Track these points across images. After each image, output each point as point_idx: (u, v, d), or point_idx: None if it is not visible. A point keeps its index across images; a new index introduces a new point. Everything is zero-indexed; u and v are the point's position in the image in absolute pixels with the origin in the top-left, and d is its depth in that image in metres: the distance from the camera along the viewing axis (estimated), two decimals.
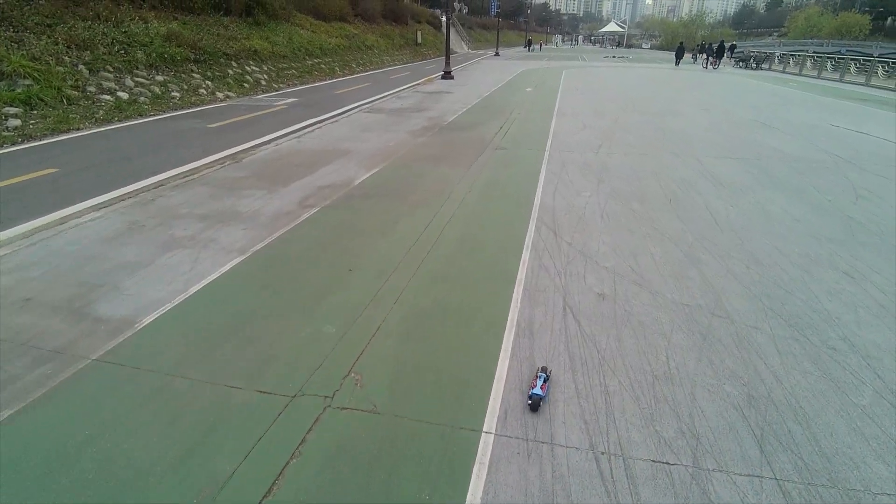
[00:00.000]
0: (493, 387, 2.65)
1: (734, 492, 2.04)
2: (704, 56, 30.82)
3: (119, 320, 3.22)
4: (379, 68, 26.67)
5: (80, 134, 8.78)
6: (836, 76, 23.15)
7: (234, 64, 16.27)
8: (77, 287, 3.65)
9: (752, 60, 33.40)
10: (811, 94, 17.37)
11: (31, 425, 2.38)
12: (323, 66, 21.81)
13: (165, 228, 4.78)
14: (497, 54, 45.68)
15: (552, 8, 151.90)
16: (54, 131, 8.67)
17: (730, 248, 4.39)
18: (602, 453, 2.23)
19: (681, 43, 39.39)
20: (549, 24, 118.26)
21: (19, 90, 9.23)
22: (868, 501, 2.02)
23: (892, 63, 20.81)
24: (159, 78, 12.84)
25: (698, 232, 4.74)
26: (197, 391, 2.61)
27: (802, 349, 2.98)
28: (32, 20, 11.06)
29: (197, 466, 2.15)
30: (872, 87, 20.04)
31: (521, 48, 65.39)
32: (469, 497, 2.02)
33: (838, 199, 5.78)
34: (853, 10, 79.83)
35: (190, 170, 6.85)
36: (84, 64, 11.13)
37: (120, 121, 10.04)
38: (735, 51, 35.32)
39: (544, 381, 2.61)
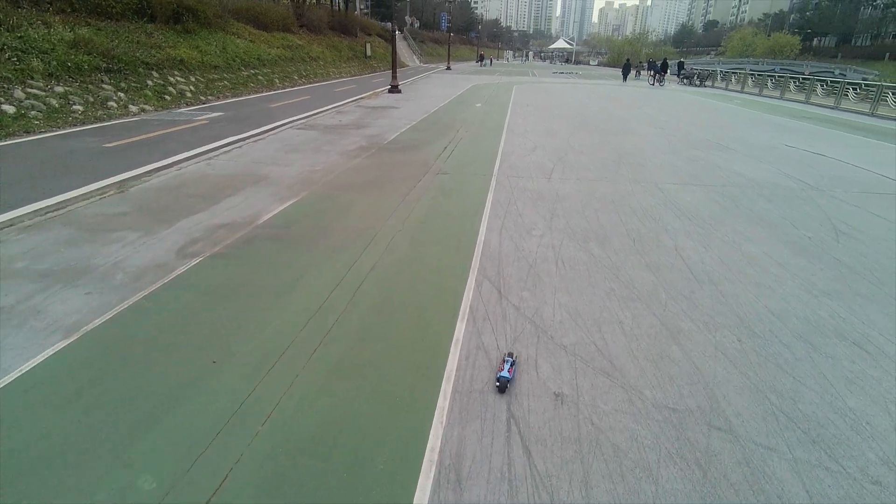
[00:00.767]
0: None
1: None
2: (651, 73, 31.22)
3: None
4: (324, 81, 25.46)
5: None
6: (777, 93, 23.70)
7: (154, 74, 14.72)
8: None
9: (696, 77, 34.22)
10: (758, 112, 17.43)
11: None
12: (261, 77, 20.41)
13: None
14: (449, 68, 45.28)
15: (503, 24, 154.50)
16: None
17: (713, 310, 3.54)
18: None
19: (627, 60, 40.21)
20: (501, 40, 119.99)
21: None
22: None
23: (832, 82, 21.40)
24: (59, 89, 11.21)
25: (672, 286, 3.89)
26: None
27: (838, 486, 2.10)
28: None
29: None
30: (812, 104, 20.49)
31: (474, 62, 65.59)
32: None
33: (819, 236, 5.11)
34: (783, 30, 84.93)
35: (57, 203, 5.52)
36: None
37: None
38: (683, 68, 36.15)
39: (511, 365, 2.72)
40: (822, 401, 2.63)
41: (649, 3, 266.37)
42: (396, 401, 2.56)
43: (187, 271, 3.96)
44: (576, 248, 4.58)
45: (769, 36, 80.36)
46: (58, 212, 5.30)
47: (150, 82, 14.21)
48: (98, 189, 6.09)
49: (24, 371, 2.71)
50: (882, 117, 16.81)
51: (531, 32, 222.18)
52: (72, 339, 3.00)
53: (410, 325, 3.29)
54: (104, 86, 12.52)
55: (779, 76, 26.24)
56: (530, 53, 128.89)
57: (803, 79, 23.51)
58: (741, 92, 26.66)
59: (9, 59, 10.87)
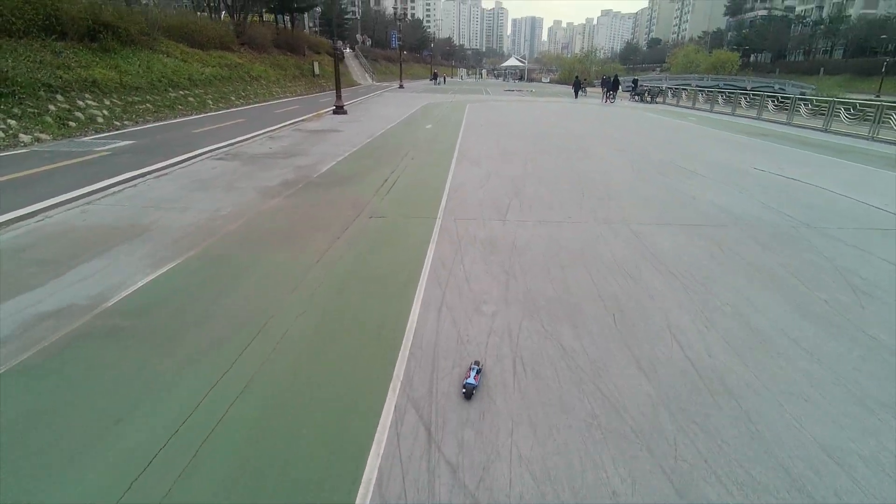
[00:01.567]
0: None
1: None
2: (604, 90, 31.11)
3: None
4: (265, 101, 23.90)
5: None
6: (729, 110, 23.72)
7: (59, 98, 12.92)
8: None
9: (646, 94, 34.45)
10: (714, 129, 17.04)
11: None
12: (191, 98, 18.70)
13: None
14: (401, 87, 44.39)
15: (456, 43, 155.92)
16: None
17: (742, 453, 2.38)
18: None
19: (577, 77, 40.29)
20: (454, 58, 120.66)
21: None
22: None
23: (782, 98, 21.47)
24: None
25: (677, 403, 2.73)
26: None
27: None
28: None
29: None
30: (763, 120, 20.44)
31: (428, 81, 65.02)
32: None
33: (835, 298, 4.11)
34: (723, 47, 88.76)
35: None
36: None
37: None
38: (638, 85, 36.51)
39: (477, 373, 2.79)
40: None
41: (595, 21, 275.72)
42: None
43: None
44: (540, 336, 3.38)
45: (710, 53, 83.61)
46: None
47: (51, 107, 12.40)
48: None
49: None
50: (836, 133, 16.69)
51: (484, 50, 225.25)
52: None
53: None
54: None
55: (729, 92, 26.45)
56: (483, 71, 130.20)
57: (753, 95, 23.59)
58: (692, 108, 26.68)
59: None
